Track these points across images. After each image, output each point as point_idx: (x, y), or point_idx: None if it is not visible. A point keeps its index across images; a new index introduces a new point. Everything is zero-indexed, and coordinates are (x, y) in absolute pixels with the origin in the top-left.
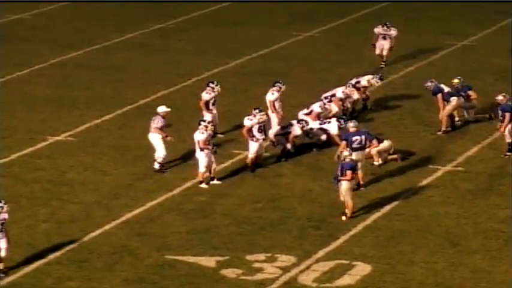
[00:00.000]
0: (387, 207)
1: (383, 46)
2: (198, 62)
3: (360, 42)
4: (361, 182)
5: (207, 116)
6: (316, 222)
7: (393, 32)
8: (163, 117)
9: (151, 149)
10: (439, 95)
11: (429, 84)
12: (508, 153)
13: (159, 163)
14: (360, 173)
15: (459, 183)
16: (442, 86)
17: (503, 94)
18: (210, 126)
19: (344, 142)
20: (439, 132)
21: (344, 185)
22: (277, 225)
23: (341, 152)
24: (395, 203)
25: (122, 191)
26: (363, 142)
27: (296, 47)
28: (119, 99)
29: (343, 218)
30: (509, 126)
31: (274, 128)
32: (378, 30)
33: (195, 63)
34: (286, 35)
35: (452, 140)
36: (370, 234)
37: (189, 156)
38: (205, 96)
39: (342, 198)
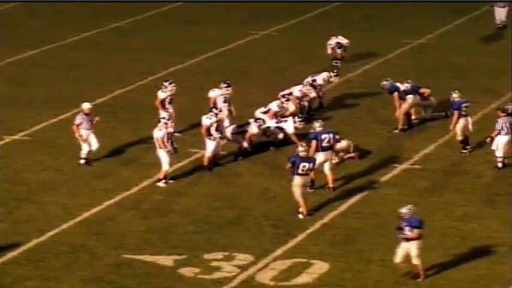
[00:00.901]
0: (345, 206)
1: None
2: (155, 60)
3: (317, 41)
4: (331, 184)
5: (164, 115)
6: (274, 221)
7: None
8: (85, 114)
9: (108, 148)
10: (395, 94)
11: (385, 83)
12: (464, 151)
13: (83, 158)
14: (329, 174)
15: (416, 181)
16: (398, 84)
17: (456, 91)
18: (169, 123)
19: (314, 141)
20: (396, 131)
21: (294, 181)
22: (235, 224)
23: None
24: (353, 201)
25: (79, 190)
26: (331, 141)
27: (253, 45)
28: (76, 98)
29: (300, 216)
30: (461, 123)
31: (231, 126)
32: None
33: (152, 62)
34: (243, 33)
35: (409, 138)
36: (328, 233)
37: (146, 155)
38: (161, 94)
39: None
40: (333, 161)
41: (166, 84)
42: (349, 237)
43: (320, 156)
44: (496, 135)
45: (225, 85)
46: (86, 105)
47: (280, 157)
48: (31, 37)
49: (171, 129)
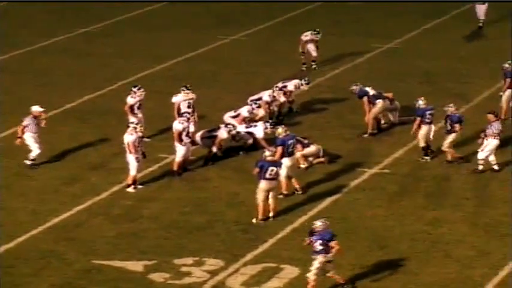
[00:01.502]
0: (315, 210)
1: (311, 49)
2: (124, 66)
3: (286, 45)
4: (297, 186)
5: (133, 120)
6: (244, 226)
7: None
8: (34, 117)
9: (78, 154)
10: (365, 98)
11: (354, 87)
12: (425, 157)
13: (30, 160)
14: (293, 179)
15: (386, 185)
16: (367, 89)
17: (422, 98)
18: (139, 127)
19: (280, 147)
20: (366, 135)
21: (260, 185)
22: (205, 228)
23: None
24: (323, 205)
25: (49, 195)
26: (294, 146)
27: (222, 50)
28: (44, 103)
29: (254, 220)
30: (424, 130)
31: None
32: (307, 37)
33: (120, 67)
34: (212, 38)
35: (378, 142)
36: (298, 237)
37: (115, 160)
38: (130, 100)
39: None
40: (302, 166)
41: (135, 89)
42: None
43: (286, 161)
44: (486, 139)
45: (186, 89)
46: (36, 108)
47: (250, 162)
48: None
49: (140, 134)
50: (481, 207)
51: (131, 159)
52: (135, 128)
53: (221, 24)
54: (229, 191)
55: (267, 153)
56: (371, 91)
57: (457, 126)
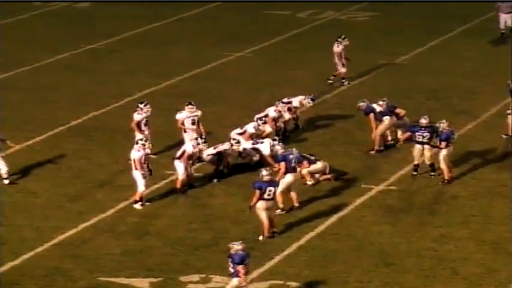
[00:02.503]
0: (321, 227)
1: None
2: (129, 82)
3: (292, 62)
4: (296, 204)
5: (140, 137)
6: (250, 243)
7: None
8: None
9: (83, 170)
10: (371, 115)
11: (361, 104)
12: (432, 173)
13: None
14: (293, 194)
15: (392, 202)
16: (374, 105)
17: (425, 117)
18: (147, 144)
19: (283, 163)
20: (372, 152)
21: (259, 204)
22: (211, 245)
23: (277, 173)
24: (329, 222)
25: (54, 212)
26: (296, 162)
27: (228, 67)
28: (49, 120)
29: (260, 238)
30: (416, 149)
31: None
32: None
33: (126, 83)
34: (217, 55)
35: (385, 159)
36: (304, 254)
37: (121, 177)
38: (137, 117)
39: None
40: (309, 183)
41: (141, 106)
42: (326, 259)
43: (289, 177)
44: None
45: (190, 106)
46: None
47: (256, 179)
48: (4, 59)
49: (148, 151)
50: (487, 224)
51: (138, 176)
52: (143, 145)
53: (227, 41)
54: (235, 208)
55: (264, 172)
56: (378, 107)
57: (442, 144)
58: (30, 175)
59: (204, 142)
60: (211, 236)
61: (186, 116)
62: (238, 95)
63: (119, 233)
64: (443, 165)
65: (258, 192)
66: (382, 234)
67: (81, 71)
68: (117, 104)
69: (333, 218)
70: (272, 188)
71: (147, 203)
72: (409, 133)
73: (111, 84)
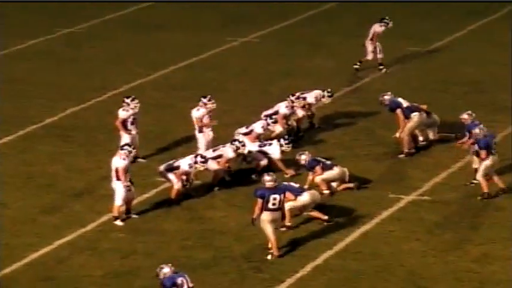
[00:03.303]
0: (341, 244)
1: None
2: (115, 73)
3: (306, 49)
4: (288, 223)
5: (125, 138)
6: (257, 263)
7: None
8: None
9: (59, 177)
10: (398, 111)
11: (385, 98)
12: (475, 181)
13: None
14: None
15: (425, 215)
16: (400, 99)
17: (468, 112)
18: (133, 152)
19: (260, 200)
20: (401, 155)
21: (263, 216)
22: (210, 266)
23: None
24: (350, 239)
25: (25, 227)
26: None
27: (230, 55)
28: (20, 118)
29: (269, 257)
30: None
31: (204, 151)
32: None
33: (110, 74)
34: (218, 40)
35: (416, 164)
36: (321, 277)
37: (103, 185)
38: (122, 113)
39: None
40: (325, 192)
41: (128, 101)
42: (347, 282)
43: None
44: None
45: (208, 100)
46: None
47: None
48: None
49: (132, 159)
50: None
51: (118, 187)
52: (129, 151)
53: (228, 24)
54: (239, 222)
55: (267, 177)
56: (405, 102)
57: (482, 153)
58: None
59: (204, 162)
60: (210, 255)
61: (205, 112)
62: (243, 88)
63: (100, 252)
64: (480, 177)
65: (260, 201)
66: (412, 253)
67: (57, 60)
68: (100, 99)
69: (355, 234)
70: (277, 196)
71: (135, 216)
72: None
73: (93, 75)
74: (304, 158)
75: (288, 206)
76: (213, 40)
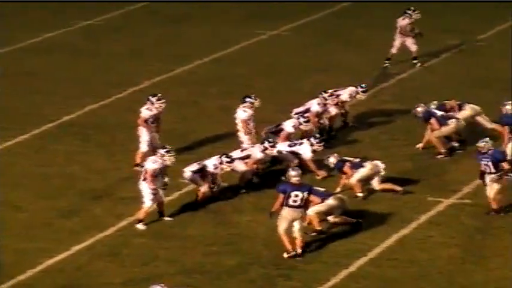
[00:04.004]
0: (376, 251)
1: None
2: (135, 68)
3: (340, 43)
4: (318, 228)
5: (145, 136)
6: (286, 270)
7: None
8: None
9: (77, 178)
10: (433, 120)
11: (418, 110)
12: None
13: None
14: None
15: (465, 219)
16: (433, 108)
17: (485, 140)
18: (168, 156)
19: (281, 195)
20: (440, 156)
21: (283, 212)
22: (237, 273)
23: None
24: (386, 245)
25: (41, 231)
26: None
27: (259, 48)
28: (35, 115)
29: (285, 254)
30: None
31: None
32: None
33: (131, 69)
34: (246, 34)
35: (456, 165)
36: (355, 285)
37: (124, 187)
38: (145, 112)
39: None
40: (358, 195)
41: (153, 100)
42: None
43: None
44: None
45: (254, 99)
46: None
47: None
48: None
49: (168, 163)
50: None
51: (144, 188)
52: (162, 155)
53: (257, 15)
54: (268, 226)
55: (292, 172)
56: (438, 112)
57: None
58: (10, 184)
59: (229, 162)
60: (236, 261)
61: (251, 112)
62: (272, 85)
63: (121, 258)
64: (490, 193)
65: (281, 196)
66: (452, 260)
67: (74, 54)
68: (120, 96)
69: (391, 239)
70: (299, 193)
71: (168, 218)
72: (505, 128)
73: (112, 71)
74: (332, 160)
75: (313, 210)
76: (240, 33)
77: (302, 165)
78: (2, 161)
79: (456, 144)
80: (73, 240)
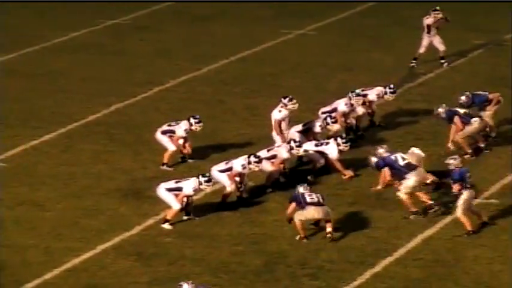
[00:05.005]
0: (401, 251)
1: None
2: (162, 67)
3: (366, 42)
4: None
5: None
6: (312, 270)
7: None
8: None
9: (103, 177)
10: (456, 118)
11: (440, 111)
12: None
13: None
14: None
15: (493, 219)
16: (456, 108)
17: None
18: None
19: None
20: (467, 156)
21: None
22: (263, 273)
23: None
24: (412, 244)
25: (66, 230)
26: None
27: (285, 48)
28: (61, 114)
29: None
30: None
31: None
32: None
33: (157, 68)
34: (272, 33)
35: (483, 165)
36: (381, 285)
37: (150, 186)
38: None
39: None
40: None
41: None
42: None
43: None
44: None
45: (288, 100)
46: None
47: (319, 190)
48: (4, 38)
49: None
50: None
51: (165, 194)
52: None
53: (284, 15)
54: (294, 226)
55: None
56: (461, 109)
57: (455, 187)
58: (36, 183)
59: (258, 162)
60: (262, 261)
61: (287, 113)
62: (298, 84)
63: (146, 257)
64: (460, 214)
65: (293, 205)
66: (478, 260)
67: (100, 53)
68: (146, 95)
69: (417, 239)
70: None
71: (195, 218)
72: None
73: (138, 70)
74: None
75: (297, 217)
76: (267, 32)
77: (328, 164)
78: (28, 160)
79: (482, 145)
80: (99, 239)
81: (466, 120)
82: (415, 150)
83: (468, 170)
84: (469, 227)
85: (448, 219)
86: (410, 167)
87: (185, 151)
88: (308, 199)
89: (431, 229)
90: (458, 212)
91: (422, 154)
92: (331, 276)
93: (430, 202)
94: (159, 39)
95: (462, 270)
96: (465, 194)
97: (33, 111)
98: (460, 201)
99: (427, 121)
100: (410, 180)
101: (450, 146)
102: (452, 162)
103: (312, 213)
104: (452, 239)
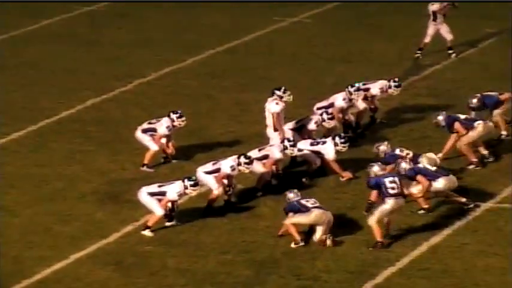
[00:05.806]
0: (405, 260)
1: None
2: (142, 58)
3: (366, 31)
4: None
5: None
6: (308, 281)
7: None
8: None
9: (77, 180)
10: (456, 124)
11: (439, 119)
12: None
13: None
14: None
15: (504, 226)
16: (457, 114)
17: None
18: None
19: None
20: (471, 166)
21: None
22: (254, 285)
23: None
24: (417, 253)
25: (37, 237)
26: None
27: (278, 37)
28: (31, 110)
29: (292, 244)
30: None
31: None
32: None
33: (137, 60)
34: (263, 21)
35: (494, 166)
36: None
37: (129, 189)
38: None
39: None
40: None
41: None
42: None
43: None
44: None
45: (282, 92)
46: None
47: (316, 192)
48: None
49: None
50: None
51: (147, 198)
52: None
53: (276, 1)
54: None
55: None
56: (461, 115)
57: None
58: (4, 186)
59: (248, 163)
60: (253, 271)
61: (283, 106)
62: (293, 76)
63: (125, 267)
64: (371, 222)
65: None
66: (490, 270)
67: (75, 43)
68: (125, 89)
69: (422, 247)
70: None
71: (176, 223)
72: None
73: (117, 61)
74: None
75: (292, 220)
76: (258, 20)
77: (324, 165)
78: None
79: (485, 152)
80: (73, 247)
81: (468, 124)
82: (431, 155)
83: (394, 176)
84: (378, 237)
85: (457, 225)
86: (441, 172)
87: (169, 151)
88: (309, 204)
89: (438, 236)
90: (371, 220)
91: (438, 160)
92: (329, 287)
93: (464, 199)
94: (139, 28)
95: (472, 281)
96: (388, 204)
97: (0, 106)
98: (379, 209)
99: (433, 117)
100: (439, 183)
101: (441, 157)
102: (373, 169)
103: (317, 217)
104: (460, 246)
